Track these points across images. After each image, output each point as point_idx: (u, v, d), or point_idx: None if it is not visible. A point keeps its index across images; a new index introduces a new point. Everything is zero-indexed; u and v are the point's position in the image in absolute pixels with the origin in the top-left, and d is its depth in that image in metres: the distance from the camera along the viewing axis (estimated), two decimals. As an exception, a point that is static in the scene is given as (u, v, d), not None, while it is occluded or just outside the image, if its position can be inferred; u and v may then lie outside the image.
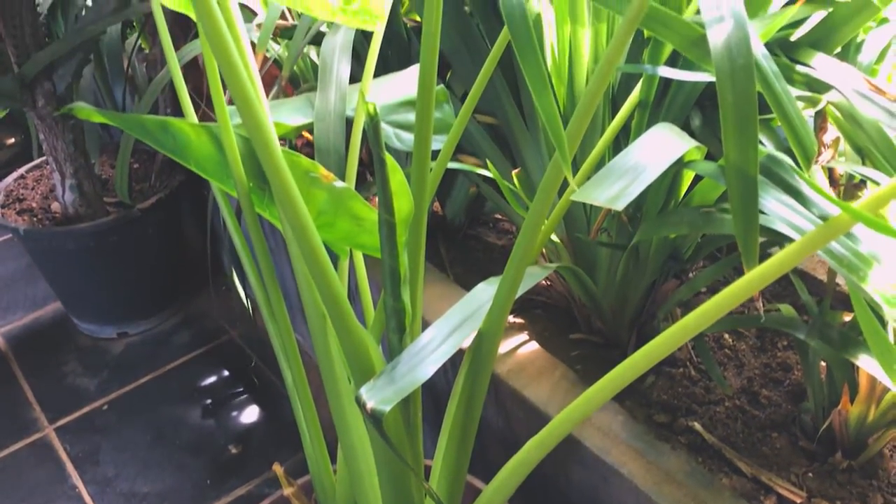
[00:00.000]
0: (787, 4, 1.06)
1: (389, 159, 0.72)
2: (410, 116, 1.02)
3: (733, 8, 0.73)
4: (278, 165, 0.65)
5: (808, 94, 0.92)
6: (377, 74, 1.06)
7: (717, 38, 0.71)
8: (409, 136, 1.00)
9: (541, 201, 0.71)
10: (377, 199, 0.75)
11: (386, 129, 1.01)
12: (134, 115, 0.77)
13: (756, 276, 0.59)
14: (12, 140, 3.06)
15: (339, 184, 0.81)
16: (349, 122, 1.03)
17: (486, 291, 0.84)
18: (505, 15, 0.65)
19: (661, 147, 0.79)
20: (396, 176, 0.73)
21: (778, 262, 0.58)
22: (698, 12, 0.87)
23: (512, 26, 0.64)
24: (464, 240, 1.57)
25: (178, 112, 1.87)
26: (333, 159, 1.00)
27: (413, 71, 1.12)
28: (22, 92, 1.74)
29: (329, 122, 1.01)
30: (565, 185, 0.85)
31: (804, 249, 0.58)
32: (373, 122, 0.69)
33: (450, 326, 0.79)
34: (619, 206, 0.67)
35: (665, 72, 0.85)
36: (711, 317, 0.62)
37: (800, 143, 0.71)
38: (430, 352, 0.74)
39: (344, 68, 1.04)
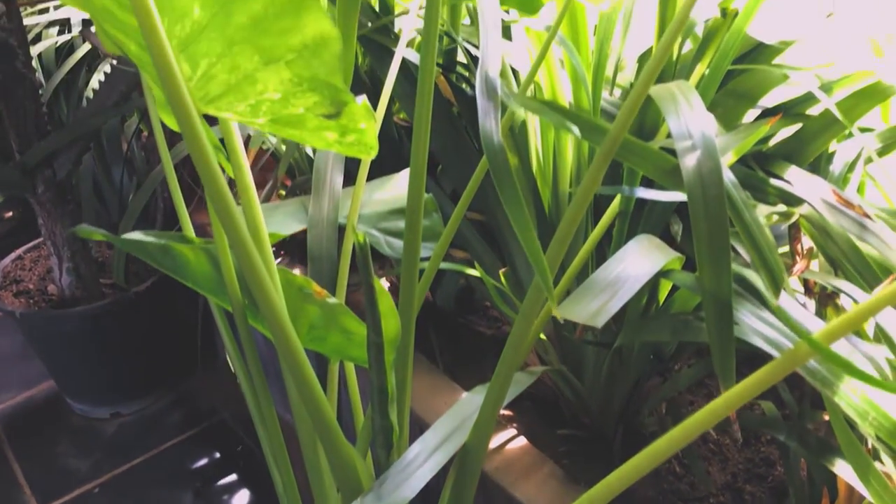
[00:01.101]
0: (759, 117, 1.11)
1: (378, 284, 0.76)
2: (401, 224, 1.06)
3: (704, 135, 0.78)
4: (266, 292, 0.68)
5: (783, 209, 0.96)
6: (370, 172, 1.09)
7: (689, 167, 0.76)
8: (399, 244, 1.04)
9: (525, 317, 0.74)
10: (367, 320, 0.78)
11: (377, 236, 1.05)
12: (135, 238, 0.81)
13: (734, 395, 0.62)
14: (10, 213, 3.10)
15: (331, 300, 0.84)
16: (341, 230, 1.07)
17: (472, 401, 0.87)
18: (484, 147, 0.69)
19: (641, 260, 0.83)
20: (384, 300, 0.77)
21: (754, 382, 0.61)
22: (670, 135, 0.92)
23: (491, 161, 0.68)
24: (454, 328, 1.59)
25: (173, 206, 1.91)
26: (326, 266, 1.04)
27: (403, 176, 1.17)
28: (23, 179, 1.78)
29: (322, 230, 1.05)
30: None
31: (776, 372, 0.61)
32: (362, 252, 0.73)
33: (436, 440, 0.81)
34: (599, 322, 0.71)
35: (642, 193, 0.89)
36: (695, 431, 0.64)
37: (769, 271, 0.75)
38: (416, 468, 0.77)
39: (337, 178, 1.08)
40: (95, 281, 1.98)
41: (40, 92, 1.85)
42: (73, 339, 1.95)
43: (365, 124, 0.76)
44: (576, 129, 0.76)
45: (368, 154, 0.81)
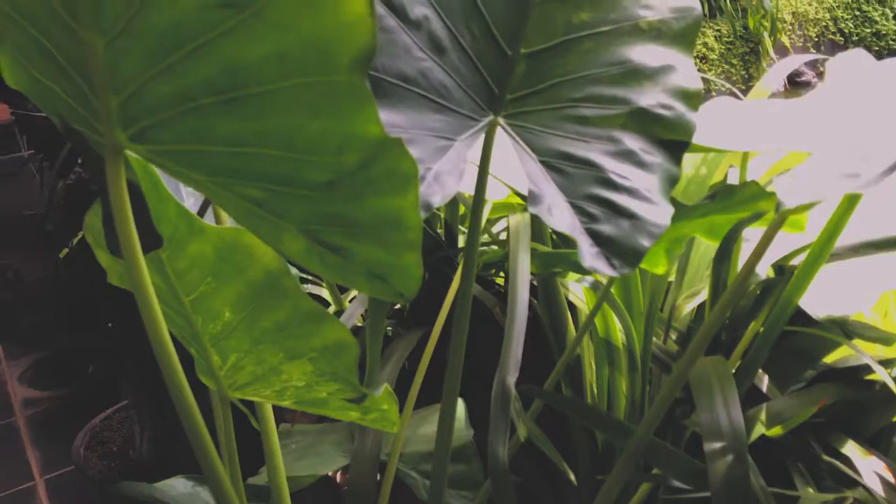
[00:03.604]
0: (818, 378, 1.06)
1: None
2: (441, 465, 1.05)
3: (735, 436, 0.75)
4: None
5: (834, 495, 0.90)
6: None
7: (717, 474, 0.73)
8: (437, 488, 1.03)
9: None
10: None
11: (416, 478, 1.04)
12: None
13: None
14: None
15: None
16: (382, 465, 1.07)
17: None
18: (490, 465, 0.68)
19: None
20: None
21: None
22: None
23: (495, 481, 0.67)
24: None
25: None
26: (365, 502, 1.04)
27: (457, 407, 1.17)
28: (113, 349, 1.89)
29: (363, 466, 1.06)
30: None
31: None
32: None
33: None
34: None
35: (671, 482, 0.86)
36: None
37: None
38: None
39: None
40: (173, 452, 2.04)
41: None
42: (146, 506, 2.00)
43: (387, 406, 0.78)
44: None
45: (392, 428, 0.82)
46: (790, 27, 6.68)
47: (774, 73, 1.07)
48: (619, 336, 1.14)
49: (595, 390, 1.21)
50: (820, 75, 6.60)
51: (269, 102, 0.47)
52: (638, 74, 0.75)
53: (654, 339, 1.11)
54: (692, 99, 0.74)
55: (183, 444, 0.72)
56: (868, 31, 6.90)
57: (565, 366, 1.21)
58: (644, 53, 0.76)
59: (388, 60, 0.69)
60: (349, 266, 0.58)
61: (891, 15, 6.98)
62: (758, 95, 1.09)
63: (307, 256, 0.58)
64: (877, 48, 6.88)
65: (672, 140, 0.73)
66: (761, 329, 1.04)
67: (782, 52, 6.53)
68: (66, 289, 1.86)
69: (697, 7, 0.78)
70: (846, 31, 6.84)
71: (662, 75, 0.75)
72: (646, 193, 0.69)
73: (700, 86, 0.75)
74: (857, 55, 0.82)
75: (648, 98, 0.74)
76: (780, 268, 1.05)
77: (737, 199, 0.82)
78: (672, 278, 1.18)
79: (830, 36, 6.79)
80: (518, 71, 0.76)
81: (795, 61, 1.12)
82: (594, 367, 1.21)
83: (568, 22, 0.76)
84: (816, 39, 6.74)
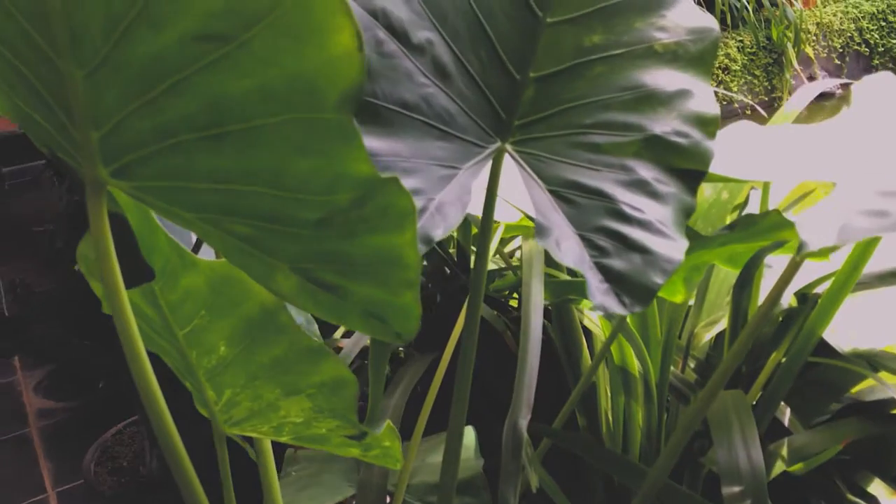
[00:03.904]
0: (843, 411, 1.02)
1: None
2: (449, 497, 1.02)
3: (755, 480, 0.72)
4: None
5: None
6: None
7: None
8: (444, 521, 1.00)
9: None
10: None
11: (422, 510, 1.01)
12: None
13: None
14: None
15: None
16: (390, 496, 1.04)
17: None
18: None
19: None
20: None
21: None
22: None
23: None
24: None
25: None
26: (368, 538, 1.00)
27: (466, 436, 1.14)
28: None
29: (369, 497, 1.03)
30: None
31: None
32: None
33: None
34: None
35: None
36: None
37: None
38: None
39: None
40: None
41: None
42: (156, 523, 1.98)
43: (389, 442, 0.75)
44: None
45: (395, 465, 0.79)
46: (814, 38, 6.60)
47: (800, 97, 1.04)
48: (635, 364, 1.11)
49: (610, 419, 1.17)
50: (844, 87, 6.51)
51: (253, 139, 0.45)
52: (652, 100, 0.72)
53: (672, 367, 1.07)
54: (709, 126, 0.71)
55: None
56: (894, 41, 6.81)
57: (576, 381, 1.17)
58: (659, 77, 0.72)
59: (389, 87, 0.66)
60: (344, 305, 0.55)
61: (917, 25, 6.87)
62: (782, 119, 1.05)
63: (300, 295, 0.55)
64: (903, 59, 6.78)
65: (687, 169, 0.69)
66: (783, 360, 1.00)
67: (806, 63, 6.46)
68: (76, 302, 1.85)
69: (715, 28, 0.75)
70: (871, 41, 6.75)
71: (678, 101, 0.72)
72: (659, 226, 0.66)
73: (717, 112, 0.71)
74: (885, 78, 0.78)
75: (663, 125, 0.71)
76: (804, 296, 1.01)
77: (757, 229, 0.78)
78: (691, 303, 1.14)
79: (855, 47, 6.70)
80: (527, 95, 0.73)
81: (822, 85, 1.08)
82: (609, 395, 1.17)
83: (579, 45, 0.73)
84: (841, 50, 6.66)
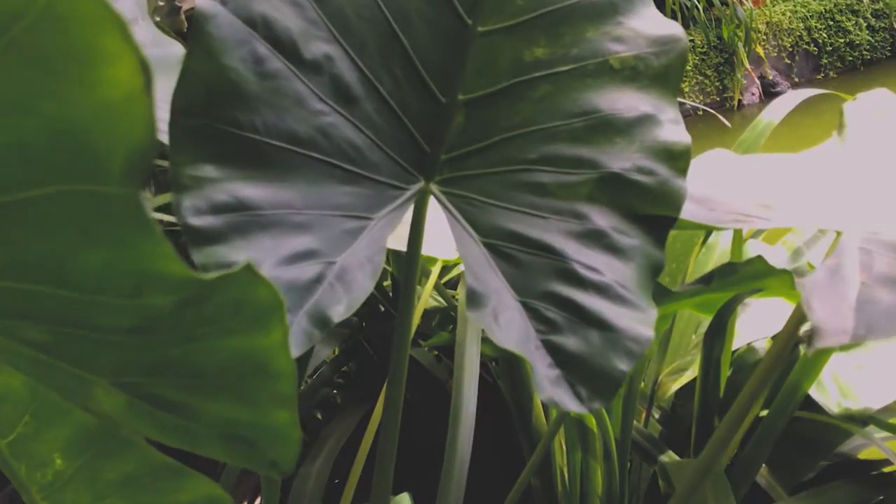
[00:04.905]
0: (829, 470, 0.90)
1: None
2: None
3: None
4: None
5: None
6: None
7: None
8: None
9: None
10: None
11: None
12: None
13: None
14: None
15: None
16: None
17: None
18: None
19: None
20: None
21: None
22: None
23: None
24: None
25: None
26: None
27: None
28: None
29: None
30: None
31: None
32: None
33: None
34: None
35: None
36: None
37: None
38: None
39: None
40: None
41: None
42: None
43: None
44: None
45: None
46: (764, 37, 6.59)
47: (776, 109, 0.91)
48: (592, 416, 0.97)
49: (566, 477, 1.04)
50: (795, 85, 6.52)
51: (19, 219, 0.29)
52: (608, 128, 0.58)
53: (635, 422, 0.94)
54: (679, 160, 0.57)
55: None
56: (842, 41, 6.84)
57: (530, 443, 1.04)
58: (616, 100, 0.58)
59: (274, 117, 0.51)
60: (196, 428, 0.40)
61: (864, 25, 6.92)
62: (754, 133, 0.92)
63: (132, 416, 0.40)
64: (850, 58, 6.81)
65: (654, 215, 0.55)
66: (762, 413, 0.88)
67: (757, 62, 6.44)
68: None
69: (682, 38, 0.61)
70: (820, 41, 6.77)
71: (640, 129, 0.58)
72: (621, 291, 0.52)
73: (688, 141, 0.57)
74: (882, 96, 0.65)
75: (622, 160, 0.57)
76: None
77: (738, 278, 0.65)
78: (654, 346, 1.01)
79: (804, 46, 6.71)
80: (455, 123, 0.59)
81: (800, 95, 0.96)
82: (565, 449, 1.03)
83: (518, 60, 0.59)
84: (791, 49, 6.65)
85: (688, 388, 0.94)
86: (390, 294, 1.18)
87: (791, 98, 0.93)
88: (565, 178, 0.57)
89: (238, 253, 0.47)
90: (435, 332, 1.17)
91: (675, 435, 0.96)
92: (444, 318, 1.19)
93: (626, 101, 0.58)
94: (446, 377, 1.07)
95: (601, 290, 0.52)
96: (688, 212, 0.57)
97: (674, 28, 0.61)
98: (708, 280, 0.63)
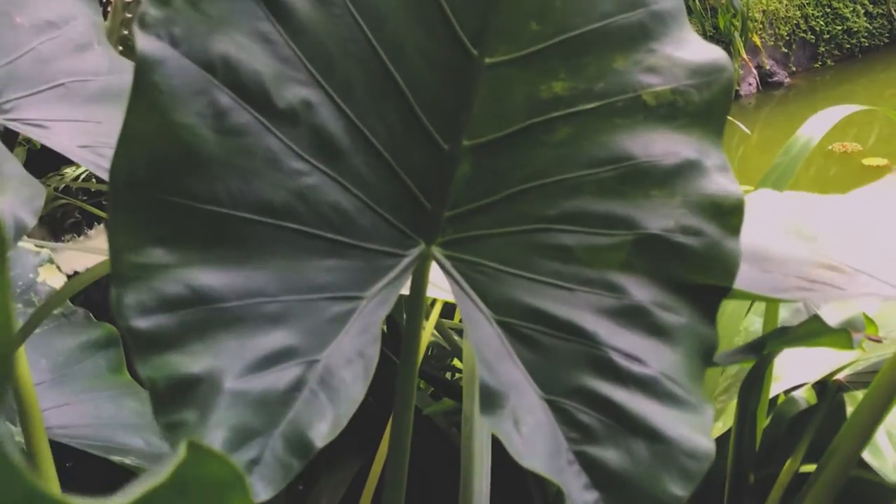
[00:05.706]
0: None
1: None
2: None
3: None
4: None
5: None
6: None
7: None
8: None
9: None
10: None
11: None
12: None
13: None
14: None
15: None
16: None
17: None
18: None
19: None
20: None
21: None
22: None
23: None
24: None
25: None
26: None
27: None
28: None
29: None
30: None
31: None
32: None
33: None
34: None
35: None
36: None
37: None
38: None
39: None
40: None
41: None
42: None
43: None
44: None
45: None
46: (761, 26, 6.48)
47: (812, 126, 0.82)
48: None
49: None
50: (792, 75, 6.42)
51: None
52: (643, 178, 0.48)
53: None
54: (729, 216, 0.47)
55: None
56: (839, 28, 6.74)
57: None
58: (651, 143, 0.49)
59: (240, 183, 0.41)
60: None
61: (862, 12, 6.83)
62: (793, 153, 0.83)
63: None
64: (848, 45, 6.72)
65: (703, 285, 0.46)
66: (800, 469, 0.79)
67: (754, 52, 6.34)
68: None
69: (727, 65, 0.51)
70: (817, 28, 6.67)
71: (681, 178, 0.48)
72: (669, 386, 0.43)
73: (740, 194, 0.48)
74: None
75: (661, 217, 0.47)
76: (823, 386, 0.79)
77: (790, 339, 0.56)
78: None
79: (801, 34, 6.61)
80: (460, 174, 0.49)
81: (838, 113, 0.86)
82: None
83: (534, 97, 0.49)
84: (787, 38, 6.55)
85: (719, 441, 0.85)
86: (385, 330, 1.08)
87: (829, 115, 0.84)
88: (593, 239, 0.47)
89: (194, 361, 0.38)
90: (430, 363, 1.08)
91: (707, 491, 0.87)
92: (441, 354, 1.10)
93: (663, 145, 0.49)
94: (446, 425, 0.98)
95: (645, 385, 0.42)
96: (739, 276, 0.47)
97: (716, 53, 0.51)
98: (759, 348, 0.54)
